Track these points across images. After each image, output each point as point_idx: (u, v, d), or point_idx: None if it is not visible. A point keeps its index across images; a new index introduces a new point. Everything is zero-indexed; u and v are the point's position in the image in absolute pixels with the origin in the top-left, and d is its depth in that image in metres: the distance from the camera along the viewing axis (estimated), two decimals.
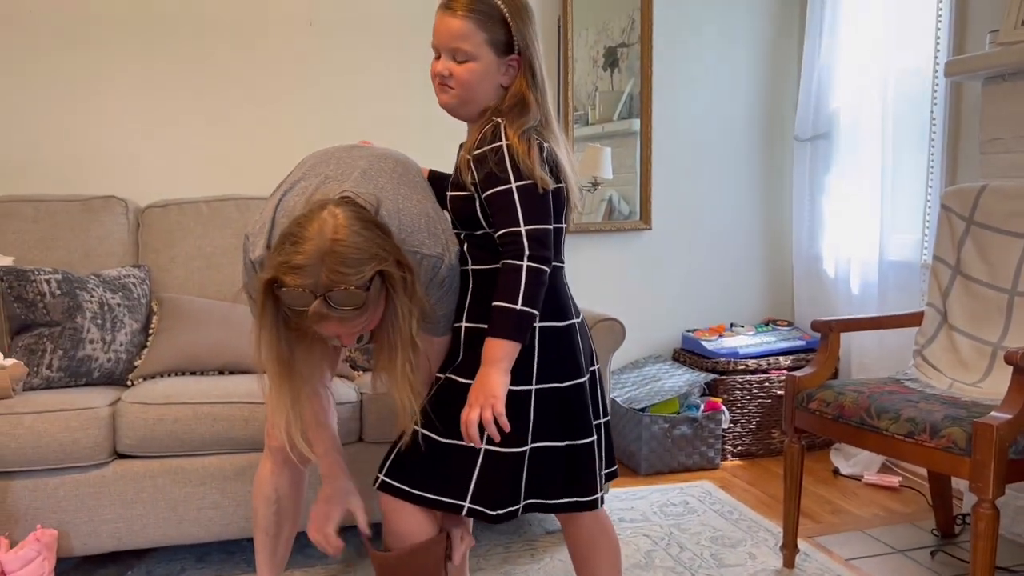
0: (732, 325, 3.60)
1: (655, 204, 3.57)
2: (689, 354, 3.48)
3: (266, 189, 2.57)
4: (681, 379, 3.23)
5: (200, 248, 2.76)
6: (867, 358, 3.20)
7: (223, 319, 2.54)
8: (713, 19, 3.57)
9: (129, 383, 2.44)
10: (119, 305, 2.48)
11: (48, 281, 2.38)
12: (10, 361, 2.25)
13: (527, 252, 1.41)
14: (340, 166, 1.53)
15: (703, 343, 3.39)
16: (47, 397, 2.17)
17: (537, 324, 1.50)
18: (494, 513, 1.48)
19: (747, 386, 3.29)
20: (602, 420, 1.65)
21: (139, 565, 2.35)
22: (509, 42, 1.50)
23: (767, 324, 3.62)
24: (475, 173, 1.48)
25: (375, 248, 1.35)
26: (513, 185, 1.43)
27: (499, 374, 1.41)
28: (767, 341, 3.41)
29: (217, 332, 2.49)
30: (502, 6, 1.48)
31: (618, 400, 3.19)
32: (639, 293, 3.60)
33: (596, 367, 1.66)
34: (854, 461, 3.14)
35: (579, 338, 1.59)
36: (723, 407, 3.22)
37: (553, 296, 1.53)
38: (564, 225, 1.57)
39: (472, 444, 1.44)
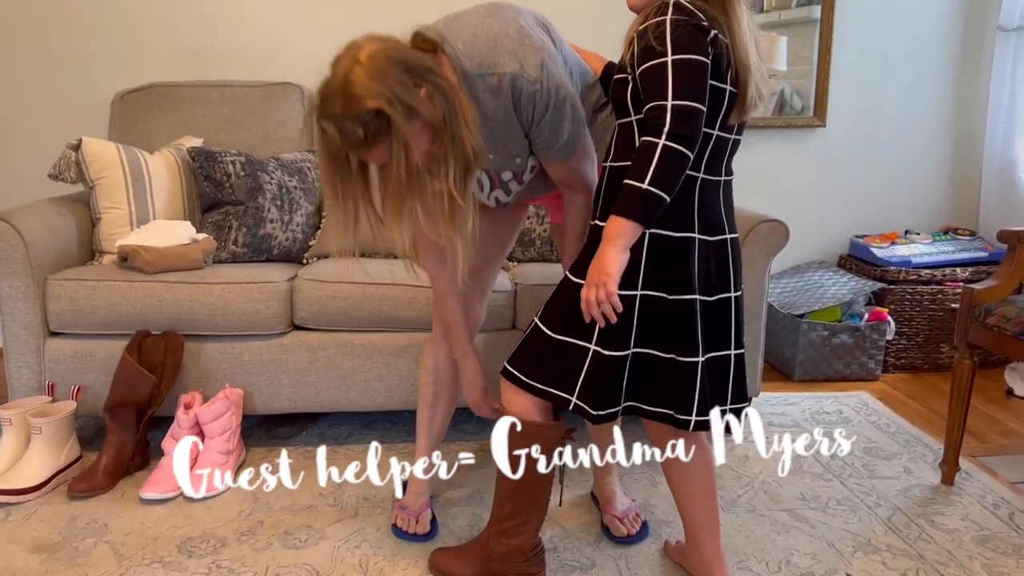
0: (907, 232, 3.38)
1: (831, 100, 3.35)
2: (857, 261, 3.31)
3: None
4: (846, 286, 3.09)
5: None
6: None
7: None
8: None
9: (305, 261, 2.61)
10: (296, 188, 2.63)
11: (233, 163, 2.56)
12: (201, 235, 2.46)
13: (667, 128, 1.33)
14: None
15: (873, 250, 3.22)
16: (233, 270, 2.37)
17: (650, 229, 1.45)
18: (595, 413, 1.50)
19: (918, 297, 3.11)
20: (732, 352, 1.57)
21: (312, 427, 2.57)
22: None
23: (946, 232, 3.37)
24: (635, 49, 1.42)
25: (384, 88, 1.35)
26: (669, 58, 1.35)
27: (616, 252, 1.38)
28: (945, 251, 3.18)
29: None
30: None
31: (775, 304, 3.11)
32: (807, 194, 3.43)
33: (734, 293, 1.56)
34: None
35: (698, 255, 1.49)
36: (889, 318, 3.07)
37: (672, 203, 1.43)
38: (725, 135, 1.48)
39: (594, 320, 1.44)
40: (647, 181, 1.34)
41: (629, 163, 1.40)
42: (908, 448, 2.45)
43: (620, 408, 1.53)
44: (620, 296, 1.45)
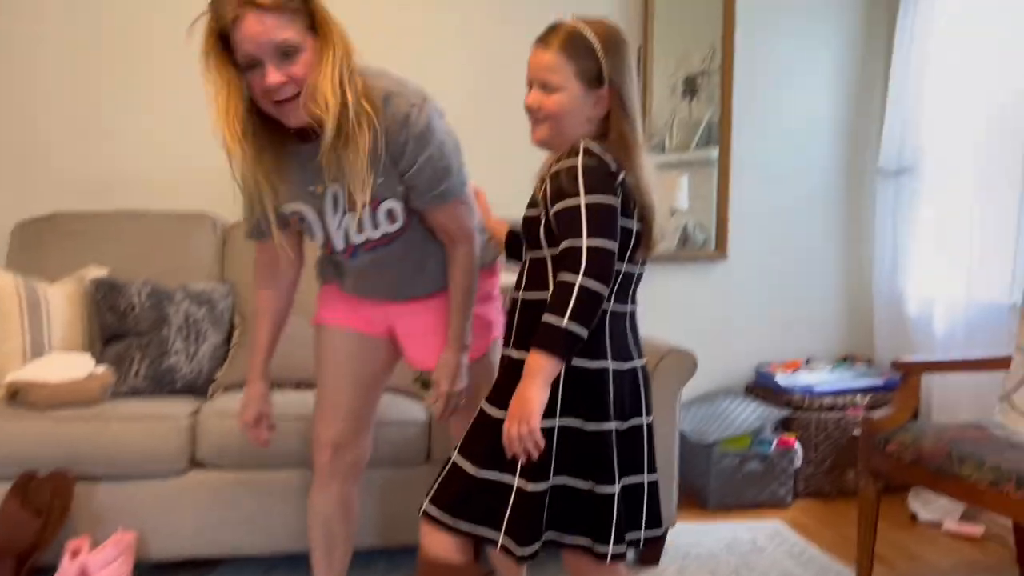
0: (808, 361, 3.51)
1: (731, 234, 3.53)
2: (762, 389, 3.41)
3: None
4: (753, 414, 3.16)
5: None
6: (949, 401, 3.08)
7: (303, 338, 2.61)
8: (795, 48, 3.52)
9: (210, 394, 2.53)
10: (203, 318, 2.57)
11: (138, 293, 2.50)
12: (101, 368, 2.36)
13: (583, 267, 1.39)
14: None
15: (777, 378, 3.32)
16: (132, 405, 2.27)
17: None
18: (521, 551, 1.46)
19: (822, 424, 3.21)
20: (645, 478, 1.57)
21: (212, 573, 2.42)
22: (599, 75, 1.50)
23: (845, 361, 3.52)
24: (547, 188, 1.49)
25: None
26: (582, 200, 1.43)
27: (537, 387, 1.40)
28: (844, 378, 3.31)
29: (296, 349, 2.56)
30: (594, 39, 1.49)
31: (687, 433, 3.14)
32: (713, 325, 3.55)
33: (644, 420, 1.58)
34: (934, 507, 3.02)
35: (615, 384, 1.52)
36: (796, 444, 3.14)
37: (592, 334, 1.46)
38: (632, 269, 1.54)
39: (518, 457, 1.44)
40: (567, 319, 1.39)
41: (541, 295, 1.48)
42: None
43: (541, 542, 1.50)
44: (541, 428, 1.44)
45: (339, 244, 1.69)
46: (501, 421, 1.47)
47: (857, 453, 2.27)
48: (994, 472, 1.87)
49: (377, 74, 1.59)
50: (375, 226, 1.66)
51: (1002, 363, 2.36)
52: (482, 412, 1.56)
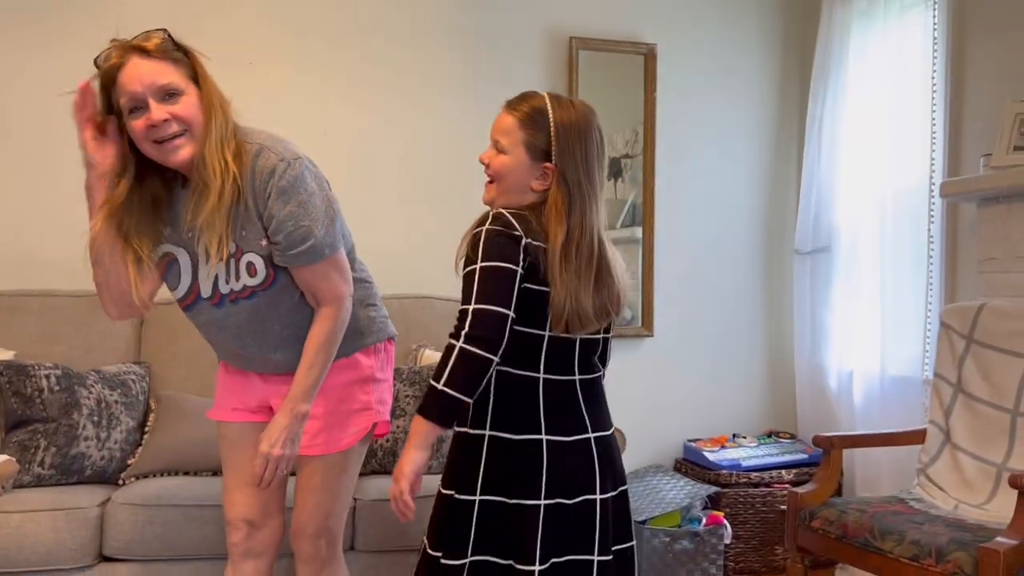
0: (735, 436, 3.55)
1: (657, 312, 3.59)
2: (691, 465, 3.42)
3: None
4: (683, 491, 3.16)
5: (204, 345, 2.74)
6: (871, 472, 3.15)
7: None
8: (715, 134, 3.67)
9: (121, 482, 2.40)
10: (116, 402, 2.47)
11: (48, 376, 2.39)
12: (2, 458, 2.23)
13: (465, 331, 1.41)
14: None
15: (705, 454, 3.35)
16: (36, 495, 2.14)
17: (487, 432, 1.49)
18: None
19: (750, 500, 3.23)
20: (595, 557, 1.52)
21: None
22: (547, 151, 1.54)
23: (769, 435, 3.57)
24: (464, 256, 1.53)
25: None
26: (478, 265, 1.45)
27: (412, 450, 1.43)
28: (770, 453, 3.36)
29: (214, 431, 2.47)
30: (551, 118, 1.54)
31: None
32: (640, 401, 3.57)
33: (598, 496, 1.53)
34: None
35: (552, 457, 1.48)
36: (725, 522, 3.14)
37: (510, 406, 1.47)
38: (564, 335, 1.52)
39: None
40: (443, 382, 1.41)
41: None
42: None
43: None
44: (460, 500, 1.46)
45: (206, 291, 1.70)
46: (447, 497, 1.50)
47: (784, 529, 2.28)
48: (915, 547, 1.90)
49: (255, 131, 1.67)
50: (236, 277, 1.67)
51: (918, 436, 2.44)
52: (439, 492, 1.57)
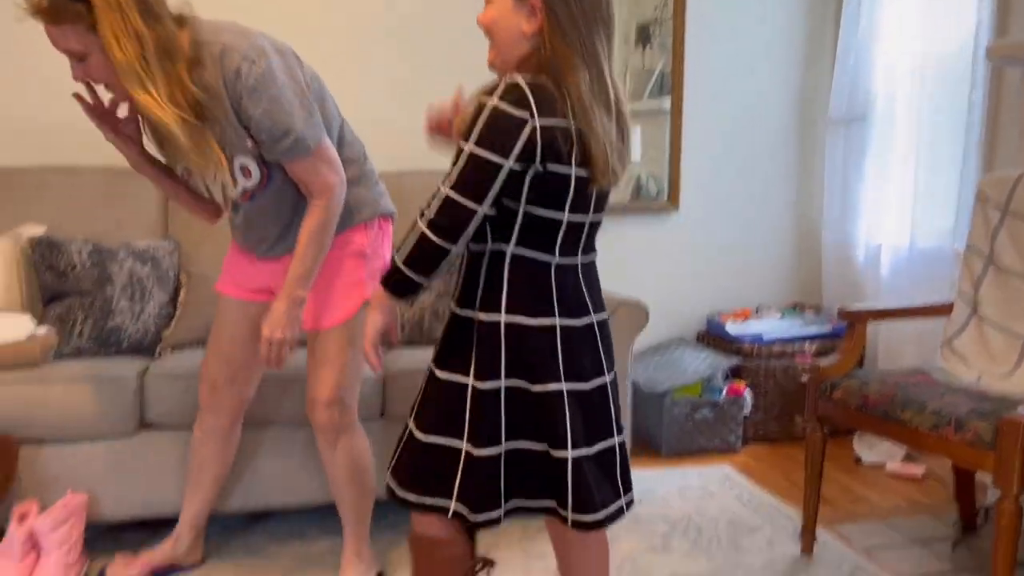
0: (758, 309, 3.57)
1: (683, 185, 3.54)
2: (713, 337, 3.46)
3: None
4: (704, 362, 3.21)
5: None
6: (894, 346, 3.17)
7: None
8: None
9: (157, 354, 2.48)
10: (148, 276, 2.51)
11: (79, 252, 2.42)
12: (42, 329, 2.29)
13: (430, 215, 1.36)
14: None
15: (728, 327, 3.37)
16: (77, 366, 2.21)
17: (503, 318, 1.41)
18: (474, 518, 1.41)
19: (771, 371, 3.27)
20: (616, 440, 1.50)
21: (165, 532, 2.39)
22: None
23: (794, 309, 3.58)
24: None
25: None
26: (469, 147, 1.35)
27: (372, 313, 1.46)
28: (793, 326, 3.38)
29: None
30: None
31: (640, 383, 3.18)
32: (665, 275, 3.58)
33: (607, 378, 1.50)
34: (877, 450, 3.12)
35: (562, 342, 1.44)
36: (746, 392, 3.20)
37: (528, 290, 1.42)
38: (578, 218, 1.43)
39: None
40: (400, 257, 1.40)
41: (478, 246, 1.44)
42: (770, 520, 2.53)
43: (503, 511, 1.43)
44: (484, 390, 1.40)
45: (218, 197, 1.83)
46: (449, 384, 1.44)
47: (804, 399, 2.31)
48: (935, 417, 1.93)
49: (217, 29, 1.65)
50: (235, 183, 1.75)
51: (944, 309, 2.42)
52: (430, 375, 1.49)
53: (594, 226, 1.50)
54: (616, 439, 1.50)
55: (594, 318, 1.50)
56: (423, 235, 1.37)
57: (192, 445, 2.12)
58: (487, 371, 1.41)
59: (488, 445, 1.41)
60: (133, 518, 2.24)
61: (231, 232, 2.03)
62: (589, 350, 1.48)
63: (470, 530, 1.51)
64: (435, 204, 1.36)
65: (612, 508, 1.48)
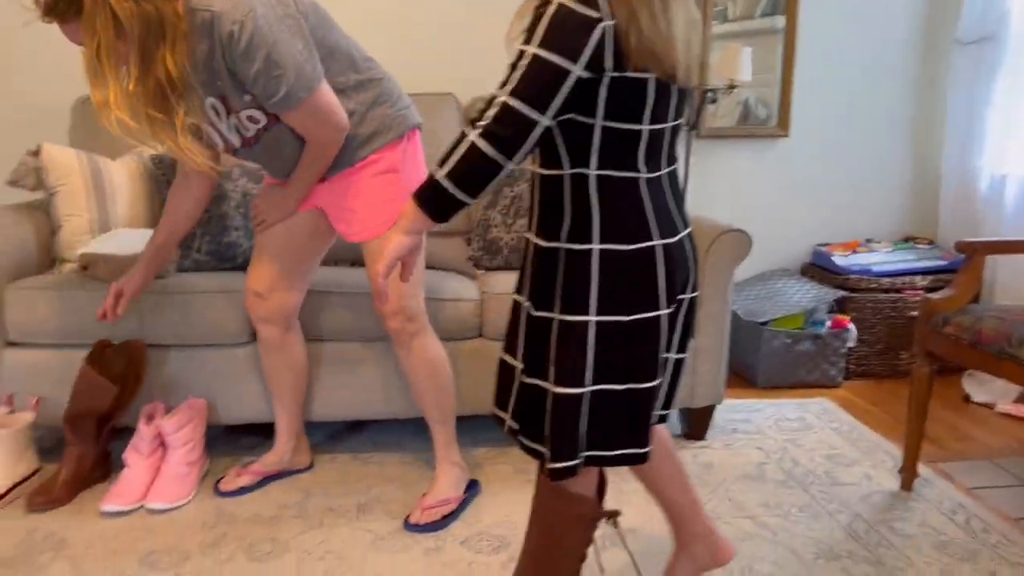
0: (868, 241, 3.44)
1: (794, 110, 3.40)
2: (819, 269, 3.36)
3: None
4: (808, 295, 3.14)
5: None
6: (1013, 283, 3.01)
7: None
8: None
9: None
10: None
11: None
12: None
13: (486, 122, 1.20)
14: None
15: (834, 258, 3.27)
16: (197, 279, 2.34)
17: (595, 246, 1.29)
18: (551, 466, 1.34)
19: (878, 305, 3.17)
20: (672, 356, 1.45)
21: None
22: None
23: (906, 241, 3.44)
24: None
25: None
26: (533, 48, 1.19)
27: (397, 233, 1.31)
28: (904, 259, 3.25)
29: None
30: None
31: (739, 312, 3.14)
32: (770, 203, 3.48)
33: (688, 295, 1.43)
34: (988, 389, 3.00)
35: (667, 263, 1.33)
36: (851, 325, 3.12)
37: (619, 213, 1.30)
38: (658, 126, 1.31)
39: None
40: (444, 172, 1.23)
41: (554, 172, 1.31)
42: (869, 455, 2.49)
43: (579, 462, 1.36)
44: (570, 323, 1.31)
45: (236, 143, 1.91)
46: (545, 320, 1.35)
47: (912, 335, 2.24)
48: None
49: None
50: (247, 129, 1.87)
51: None
52: (528, 316, 1.39)
53: (675, 133, 1.37)
54: (672, 355, 1.45)
55: (682, 234, 1.39)
56: (473, 147, 1.21)
57: (260, 360, 2.26)
58: (576, 305, 1.31)
59: (572, 385, 1.32)
60: (248, 422, 2.39)
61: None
62: (684, 266, 1.39)
63: (599, 482, 1.48)
64: (491, 112, 1.20)
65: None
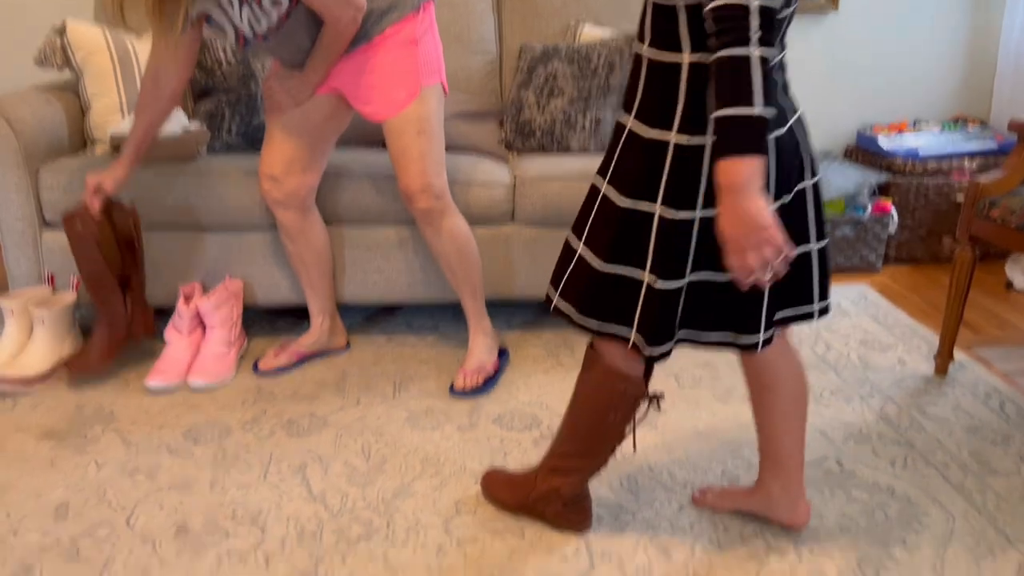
0: (916, 122, 3.31)
1: None
2: (863, 152, 3.25)
3: None
4: (850, 178, 3.04)
5: None
6: None
7: None
8: None
9: None
10: None
11: (224, 49, 2.48)
12: (195, 124, 2.40)
13: (758, 35, 1.11)
14: None
15: (880, 141, 3.16)
16: (228, 162, 2.33)
17: (708, 139, 1.26)
18: (649, 351, 1.36)
19: (923, 189, 3.07)
20: (813, 246, 1.39)
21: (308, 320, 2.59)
22: None
23: (955, 123, 3.30)
24: None
25: None
26: None
27: (755, 199, 1.14)
28: (953, 141, 3.12)
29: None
30: None
31: None
32: (816, 82, 3.34)
33: (808, 182, 1.37)
34: None
35: (780, 152, 1.29)
36: (893, 210, 3.04)
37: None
38: (789, 8, 1.25)
39: (759, 285, 1.24)
40: (759, 105, 1.12)
41: (673, 57, 1.25)
42: (904, 340, 2.47)
43: (673, 343, 1.39)
44: (678, 220, 1.29)
45: (249, 33, 1.87)
46: (628, 211, 1.32)
47: (957, 220, 2.17)
48: None
49: None
50: (267, 15, 1.84)
51: None
52: (606, 200, 1.36)
53: (793, 15, 1.31)
54: (814, 244, 1.40)
55: (792, 119, 1.33)
56: (764, 62, 1.12)
57: (283, 246, 2.27)
58: (683, 200, 1.29)
59: (673, 278, 1.33)
60: (284, 304, 2.42)
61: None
62: (796, 155, 1.34)
63: (647, 361, 1.47)
64: (753, 22, 1.11)
65: (792, 314, 1.44)
